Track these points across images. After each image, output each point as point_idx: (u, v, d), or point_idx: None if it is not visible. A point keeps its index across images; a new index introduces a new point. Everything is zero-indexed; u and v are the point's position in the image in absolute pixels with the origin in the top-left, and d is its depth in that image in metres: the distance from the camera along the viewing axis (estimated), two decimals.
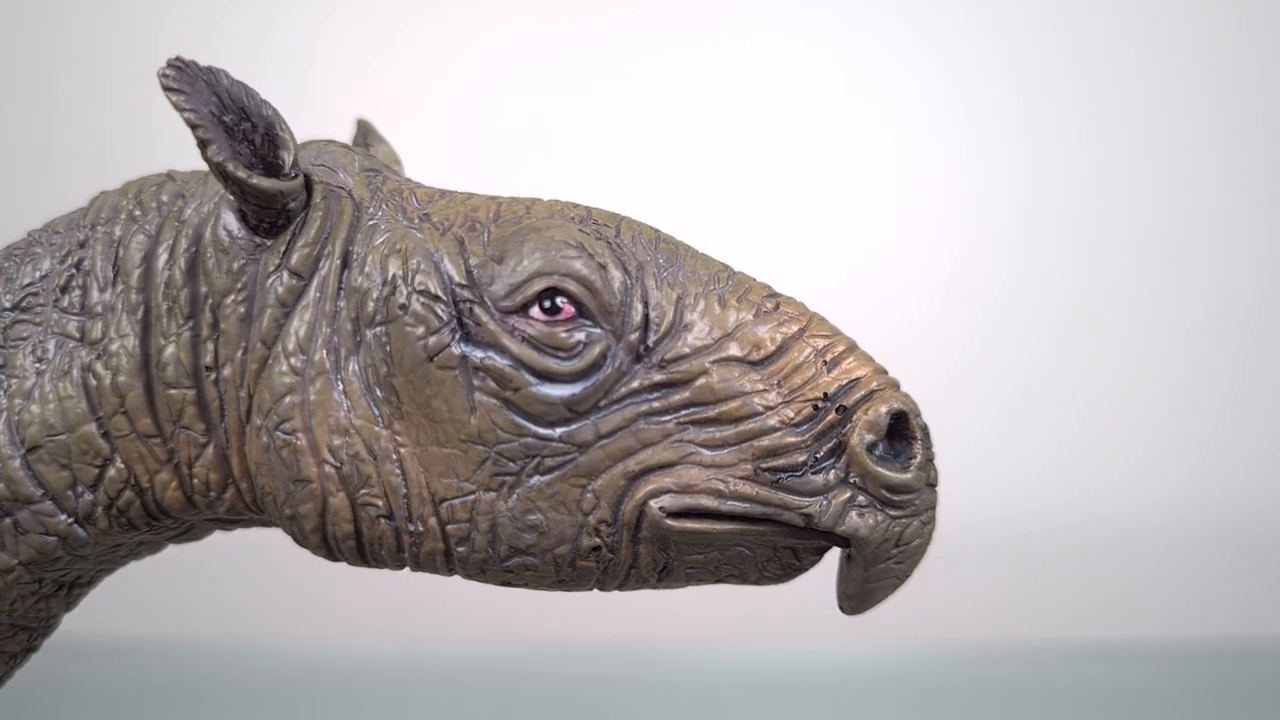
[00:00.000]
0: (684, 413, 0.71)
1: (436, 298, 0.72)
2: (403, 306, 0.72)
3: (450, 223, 0.75)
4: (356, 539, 0.74)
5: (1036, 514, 1.89)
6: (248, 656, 1.75)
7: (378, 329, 0.73)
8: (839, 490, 0.69)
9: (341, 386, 0.73)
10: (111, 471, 0.76)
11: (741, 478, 0.70)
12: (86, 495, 0.76)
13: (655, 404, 0.71)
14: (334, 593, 1.76)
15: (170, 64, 0.72)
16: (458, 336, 0.72)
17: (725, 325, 0.72)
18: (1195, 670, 1.73)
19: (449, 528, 0.72)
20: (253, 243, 0.75)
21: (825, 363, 0.71)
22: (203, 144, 0.71)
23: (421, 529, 0.72)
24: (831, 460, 0.70)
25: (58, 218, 0.82)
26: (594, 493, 0.71)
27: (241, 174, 0.72)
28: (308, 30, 1.98)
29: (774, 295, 0.74)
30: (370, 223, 0.75)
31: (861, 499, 0.69)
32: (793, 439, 0.70)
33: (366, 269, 0.73)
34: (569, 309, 0.72)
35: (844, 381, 0.70)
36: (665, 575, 0.73)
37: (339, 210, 0.76)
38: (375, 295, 0.73)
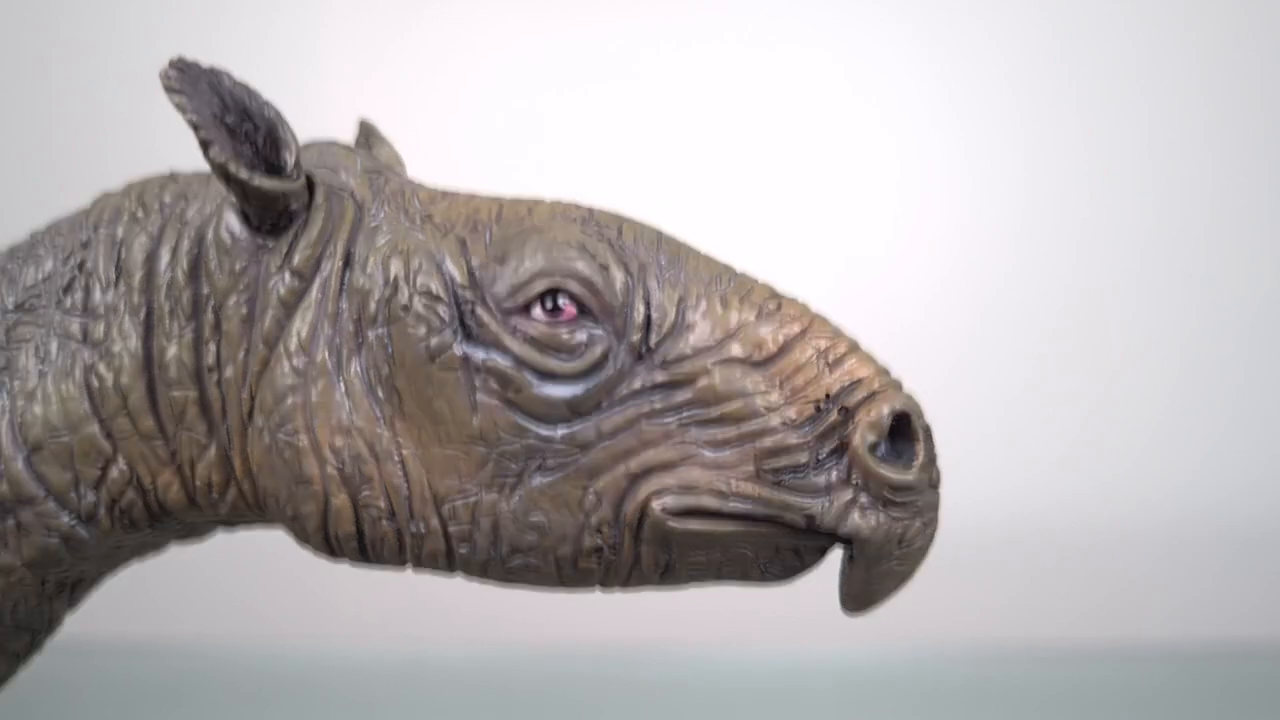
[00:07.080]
0: (686, 413, 0.71)
1: (438, 298, 0.72)
2: (405, 307, 0.72)
3: (452, 223, 0.75)
4: (359, 539, 0.74)
5: (1037, 514, 1.89)
6: (248, 656, 1.75)
7: (380, 330, 0.73)
8: (841, 491, 0.69)
9: (343, 387, 0.73)
10: (114, 472, 0.76)
11: (744, 478, 0.70)
12: (89, 495, 0.76)
13: (657, 404, 0.71)
14: (334, 593, 1.76)
15: (172, 65, 0.72)
16: (460, 337, 0.72)
17: (727, 326, 0.72)
18: (1195, 670, 1.72)
19: (451, 528, 0.72)
20: (255, 244, 0.75)
21: (828, 363, 0.71)
22: (205, 145, 0.71)
23: (423, 529, 0.73)
24: (834, 461, 0.70)
25: (60, 218, 0.82)
26: (596, 493, 0.71)
27: (243, 175, 0.72)
28: (308, 30, 1.97)
29: (776, 296, 0.74)
30: (372, 224, 0.75)
31: (864, 499, 0.69)
32: (795, 439, 0.70)
33: (368, 270, 0.74)
34: (571, 309, 0.72)
35: (846, 382, 0.70)
36: (667, 575, 0.73)
37: (341, 211, 0.76)
38: (377, 296, 0.73)
